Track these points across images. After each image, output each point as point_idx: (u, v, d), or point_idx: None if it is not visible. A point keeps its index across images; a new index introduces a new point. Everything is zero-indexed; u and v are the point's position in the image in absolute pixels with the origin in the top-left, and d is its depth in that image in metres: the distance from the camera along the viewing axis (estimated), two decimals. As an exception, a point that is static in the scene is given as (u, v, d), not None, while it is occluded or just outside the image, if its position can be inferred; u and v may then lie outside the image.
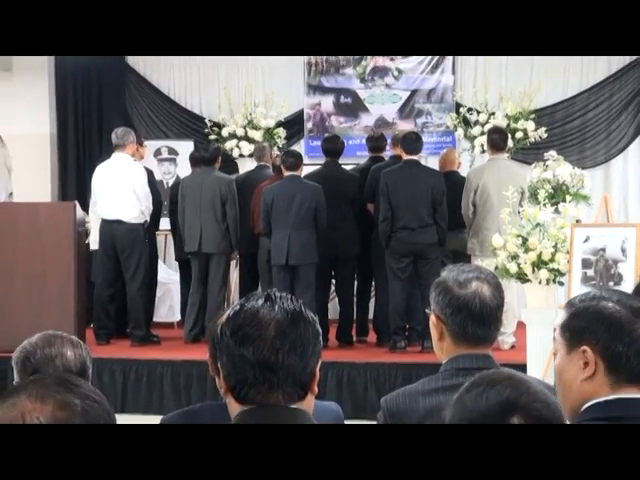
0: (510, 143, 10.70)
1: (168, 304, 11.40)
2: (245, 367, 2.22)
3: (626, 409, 2.41)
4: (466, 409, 1.95)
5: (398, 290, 9.31)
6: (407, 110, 12.55)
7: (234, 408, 2.28)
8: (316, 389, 2.32)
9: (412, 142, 9.48)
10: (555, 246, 8.06)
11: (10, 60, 12.62)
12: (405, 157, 9.44)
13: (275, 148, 11.73)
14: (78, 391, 1.69)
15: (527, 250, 8.11)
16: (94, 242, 10.20)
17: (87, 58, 12.58)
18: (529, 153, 11.75)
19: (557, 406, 1.96)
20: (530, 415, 1.89)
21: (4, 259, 9.57)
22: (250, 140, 12.18)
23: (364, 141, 11.23)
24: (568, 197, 9.12)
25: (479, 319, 3.06)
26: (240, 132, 12.31)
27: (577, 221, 8.39)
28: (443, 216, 9.29)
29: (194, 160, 10.65)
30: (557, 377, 2.54)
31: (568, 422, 2.38)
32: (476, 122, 11.91)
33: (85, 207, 10.35)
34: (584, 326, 2.49)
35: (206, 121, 12.58)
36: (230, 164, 12.14)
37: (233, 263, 11.27)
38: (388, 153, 10.48)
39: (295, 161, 9.64)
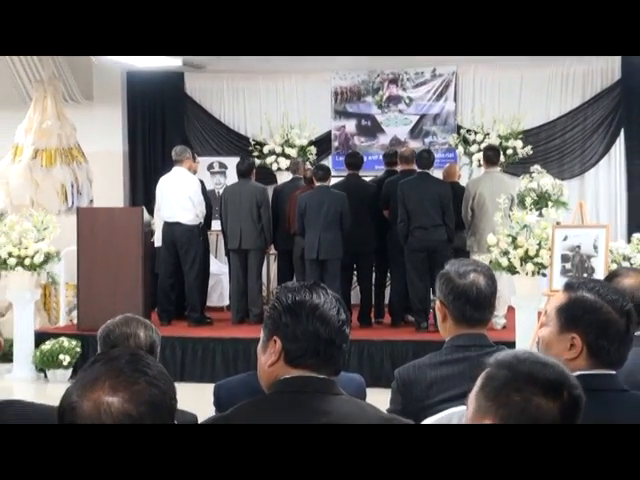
0: (502, 159, 10.65)
1: (219, 291, 11.41)
2: (318, 341, 2.22)
3: (600, 383, 2.42)
4: (524, 369, 1.81)
5: (417, 280, 9.30)
6: (416, 131, 12.51)
7: (281, 372, 2.26)
8: None
9: (424, 159, 9.58)
10: (539, 244, 8.04)
11: (91, 91, 12.71)
12: (419, 170, 9.50)
13: (307, 163, 11.72)
14: (146, 376, 1.62)
15: (516, 247, 8.09)
16: (158, 240, 10.23)
17: (152, 89, 12.66)
18: (518, 167, 11.66)
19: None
20: (573, 395, 1.81)
21: (86, 254, 9.63)
22: (286, 156, 12.18)
23: (381, 157, 11.24)
24: (550, 203, 9.07)
25: (476, 304, 3.06)
26: (278, 149, 12.32)
27: (557, 223, 8.35)
28: (450, 217, 9.30)
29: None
30: (543, 347, 2.53)
31: None
32: (474, 141, 11.87)
33: (151, 211, 10.38)
34: (579, 317, 2.48)
35: (250, 140, 12.59)
36: (270, 176, 12.14)
37: (272, 258, 11.28)
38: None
39: (324, 174, 9.68)
